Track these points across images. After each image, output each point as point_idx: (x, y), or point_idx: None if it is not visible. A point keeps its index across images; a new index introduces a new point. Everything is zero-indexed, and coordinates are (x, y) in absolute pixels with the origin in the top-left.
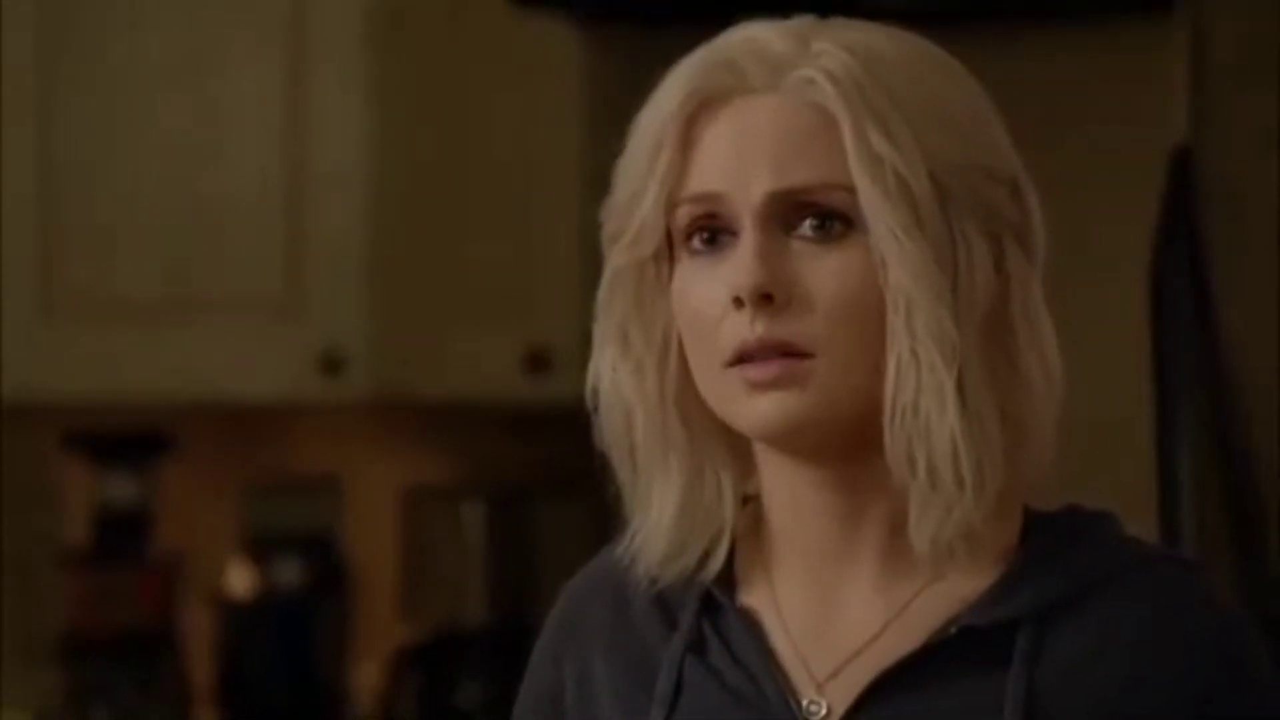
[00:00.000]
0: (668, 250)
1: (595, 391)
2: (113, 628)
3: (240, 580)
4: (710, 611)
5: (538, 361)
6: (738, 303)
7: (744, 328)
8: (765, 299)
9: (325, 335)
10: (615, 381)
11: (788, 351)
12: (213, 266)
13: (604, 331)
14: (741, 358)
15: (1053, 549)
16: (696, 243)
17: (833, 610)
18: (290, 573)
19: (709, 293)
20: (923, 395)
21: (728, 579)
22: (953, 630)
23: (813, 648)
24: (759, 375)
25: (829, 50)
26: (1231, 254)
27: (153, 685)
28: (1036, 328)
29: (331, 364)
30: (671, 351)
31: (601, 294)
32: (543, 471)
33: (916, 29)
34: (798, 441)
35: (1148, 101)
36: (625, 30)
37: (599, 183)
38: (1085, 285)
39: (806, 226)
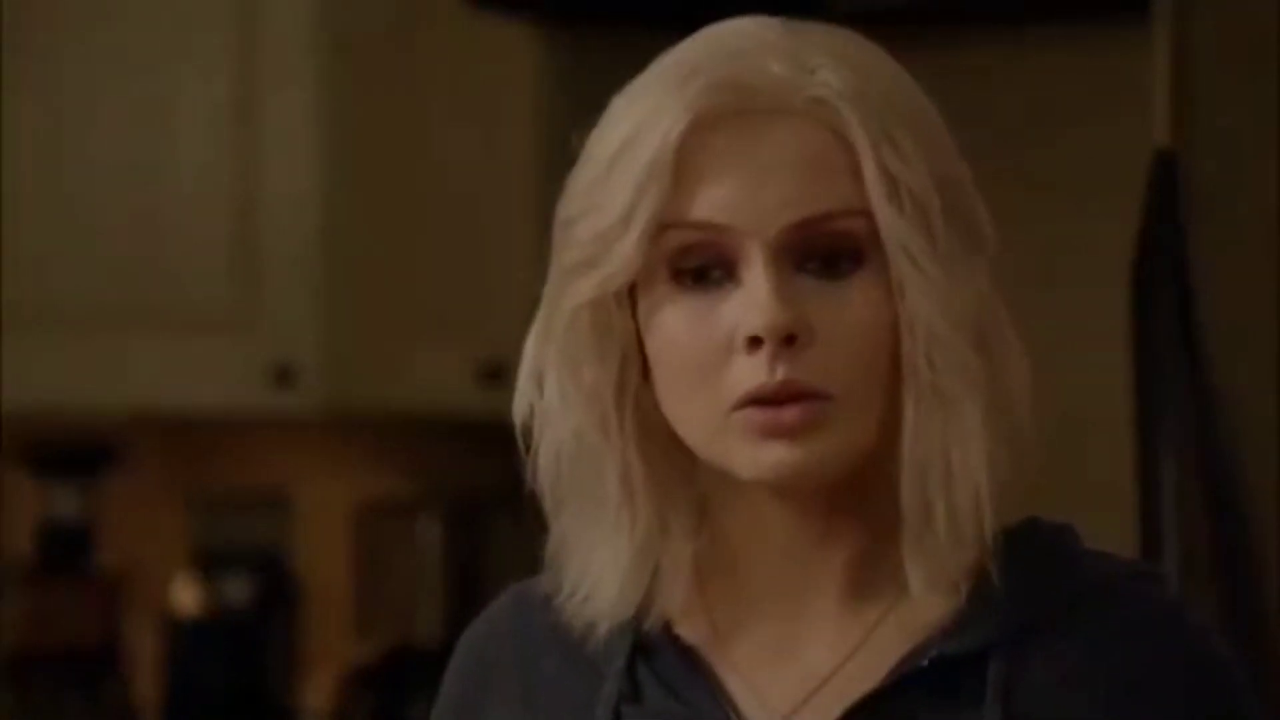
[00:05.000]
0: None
1: (528, 429)
2: (56, 645)
3: (188, 596)
4: (645, 654)
5: (492, 374)
6: (752, 343)
7: (761, 370)
8: (787, 340)
9: (276, 347)
10: (565, 416)
11: (806, 393)
12: (162, 276)
13: (543, 360)
14: (755, 400)
15: (1021, 570)
16: (687, 278)
17: (790, 641)
18: (239, 589)
19: (707, 331)
20: (947, 438)
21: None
22: (924, 662)
23: (770, 681)
24: (778, 422)
25: (826, 64)
26: (1217, 257)
27: (97, 703)
28: (1005, 334)
29: (283, 376)
30: (630, 383)
31: (556, 323)
32: (498, 486)
33: (894, 32)
34: (800, 486)
35: (1131, 103)
36: (585, 32)
37: (557, 193)
38: (1068, 289)
39: (815, 263)
